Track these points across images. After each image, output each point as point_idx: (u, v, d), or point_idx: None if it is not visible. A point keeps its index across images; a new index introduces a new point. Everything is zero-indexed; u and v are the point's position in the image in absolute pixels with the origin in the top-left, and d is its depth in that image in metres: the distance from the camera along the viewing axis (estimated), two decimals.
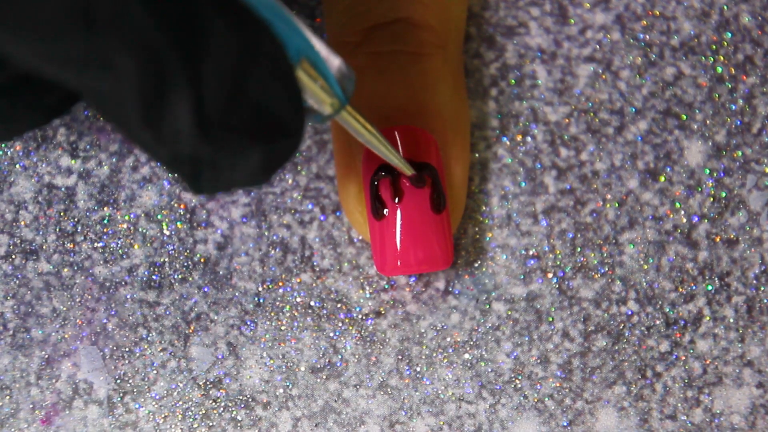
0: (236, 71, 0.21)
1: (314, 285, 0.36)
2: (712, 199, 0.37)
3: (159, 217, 0.37)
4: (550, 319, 0.36)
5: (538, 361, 0.36)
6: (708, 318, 0.36)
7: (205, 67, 0.21)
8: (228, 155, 0.22)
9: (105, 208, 0.37)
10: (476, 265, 0.36)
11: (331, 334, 0.36)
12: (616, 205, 0.37)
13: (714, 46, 0.37)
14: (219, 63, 0.21)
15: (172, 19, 0.20)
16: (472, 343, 0.36)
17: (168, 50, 0.20)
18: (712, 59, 0.37)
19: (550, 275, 0.36)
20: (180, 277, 0.37)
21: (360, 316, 0.36)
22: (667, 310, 0.36)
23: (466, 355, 0.36)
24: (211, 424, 0.36)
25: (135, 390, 0.36)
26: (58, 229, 0.37)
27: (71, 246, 0.37)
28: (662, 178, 0.37)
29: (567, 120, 0.37)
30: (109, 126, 0.37)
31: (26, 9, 0.19)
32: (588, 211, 0.37)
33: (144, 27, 0.20)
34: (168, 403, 0.36)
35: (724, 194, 0.37)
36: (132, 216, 0.37)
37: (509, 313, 0.36)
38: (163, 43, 0.20)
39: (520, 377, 0.36)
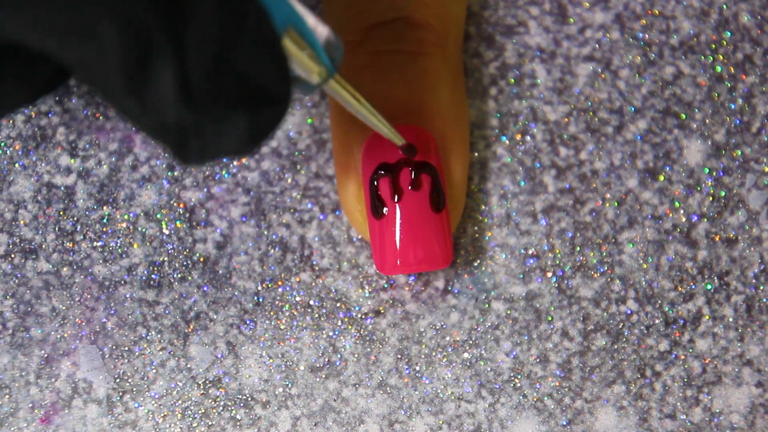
0: (220, 39, 0.21)
1: (313, 284, 0.36)
2: (711, 199, 0.37)
3: (158, 216, 0.37)
4: (550, 319, 0.36)
5: (538, 360, 0.36)
6: (707, 317, 0.36)
7: (188, 34, 0.21)
8: (213, 123, 0.22)
9: (104, 208, 0.37)
10: (475, 264, 0.36)
11: (331, 333, 0.36)
12: (616, 204, 0.37)
13: (713, 45, 0.37)
14: (203, 30, 0.21)
15: None
16: (471, 342, 0.36)
17: (151, 17, 0.20)
18: (711, 58, 0.37)
19: (549, 274, 0.36)
20: (179, 276, 0.37)
21: (359, 315, 0.36)
22: (667, 309, 0.36)
23: (466, 354, 0.36)
24: (210, 423, 0.36)
25: (134, 389, 0.36)
26: (57, 229, 0.37)
27: (70, 245, 0.37)
28: (661, 178, 0.37)
29: (566, 119, 0.37)
30: (108, 125, 0.37)
31: None
32: (587, 210, 0.37)
33: None
34: (167, 402, 0.36)
35: (723, 193, 0.37)
36: (131, 215, 0.37)
37: (508, 312, 0.36)
38: (146, 10, 0.20)
39: (519, 376, 0.36)
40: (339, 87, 0.27)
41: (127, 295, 0.36)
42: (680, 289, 0.36)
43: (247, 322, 0.36)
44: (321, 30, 0.24)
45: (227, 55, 0.22)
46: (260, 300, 0.36)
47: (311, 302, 0.36)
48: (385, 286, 0.36)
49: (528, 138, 0.37)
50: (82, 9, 0.20)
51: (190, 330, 0.36)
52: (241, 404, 0.36)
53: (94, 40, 0.20)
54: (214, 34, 0.21)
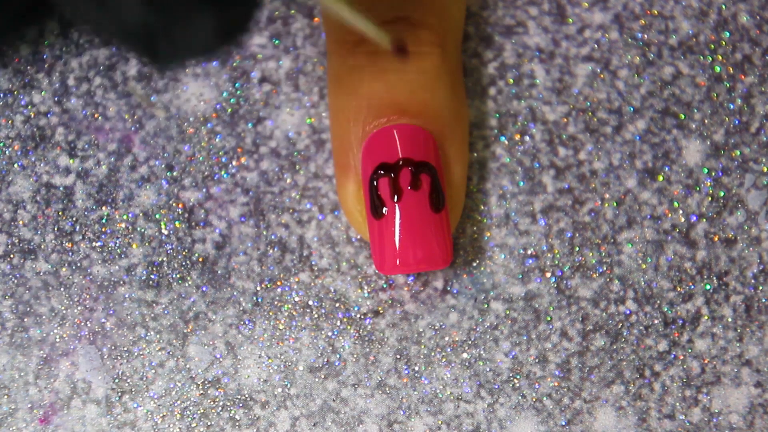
0: None
1: (312, 284, 0.36)
2: (710, 199, 0.37)
3: (157, 216, 0.37)
4: (549, 319, 0.36)
5: (537, 360, 0.36)
6: (706, 317, 0.36)
7: None
8: (180, 23, 0.22)
9: (103, 208, 0.37)
10: (475, 264, 0.36)
11: (330, 334, 0.36)
12: (615, 204, 0.37)
13: (712, 46, 0.37)
14: None
15: None
16: (470, 342, 0.36)
17: None
18: (710, 58, 0.37)
19: (548, 274, 0.36)
20: (178, 276, 0.36)
21: (358, 316, 0.36)
22: (666, 309, 0.36)
23: (465, 355, 0.36)
24: (209, 423, 0.36)
25: (133, 389, 0.36)
26: (56, 229, 0.37)
27: (69, 245, 0.37)
28: (660, 178, 0.37)
29: (565, 119, 0.37)
30: (107, 125, 0.37)
31: None
32: (586, 210, 0.37)
33: None
34: (166, 403, 0.36)
35: (722, 193, 0.37)
36: (130, 215, 0.37)
37: (507, 312, 0.36)
38: None
39: (518, 377, 0.36)
40: None
41: (126, 296, 0.36)
42: (679, 289, 0.36)
43: (246, 323, 0.36)
44: None
45: None
46: (259, 300, 0.36)
47: (310, 302, 0.36)
48: (384, 286, 0.36)
49: (527, 138, 0.37)
50: None
51: (189, 330, 0.36)
52: (240, 404, 0.36)
53: None
54: None
